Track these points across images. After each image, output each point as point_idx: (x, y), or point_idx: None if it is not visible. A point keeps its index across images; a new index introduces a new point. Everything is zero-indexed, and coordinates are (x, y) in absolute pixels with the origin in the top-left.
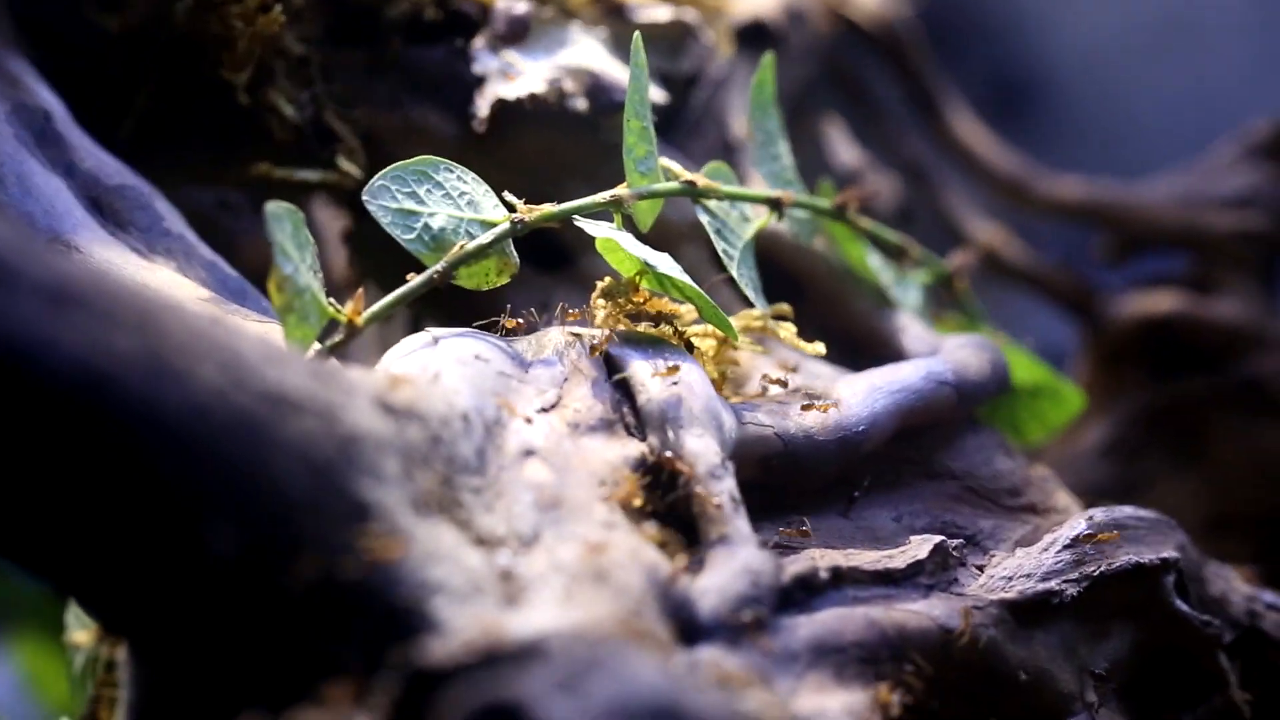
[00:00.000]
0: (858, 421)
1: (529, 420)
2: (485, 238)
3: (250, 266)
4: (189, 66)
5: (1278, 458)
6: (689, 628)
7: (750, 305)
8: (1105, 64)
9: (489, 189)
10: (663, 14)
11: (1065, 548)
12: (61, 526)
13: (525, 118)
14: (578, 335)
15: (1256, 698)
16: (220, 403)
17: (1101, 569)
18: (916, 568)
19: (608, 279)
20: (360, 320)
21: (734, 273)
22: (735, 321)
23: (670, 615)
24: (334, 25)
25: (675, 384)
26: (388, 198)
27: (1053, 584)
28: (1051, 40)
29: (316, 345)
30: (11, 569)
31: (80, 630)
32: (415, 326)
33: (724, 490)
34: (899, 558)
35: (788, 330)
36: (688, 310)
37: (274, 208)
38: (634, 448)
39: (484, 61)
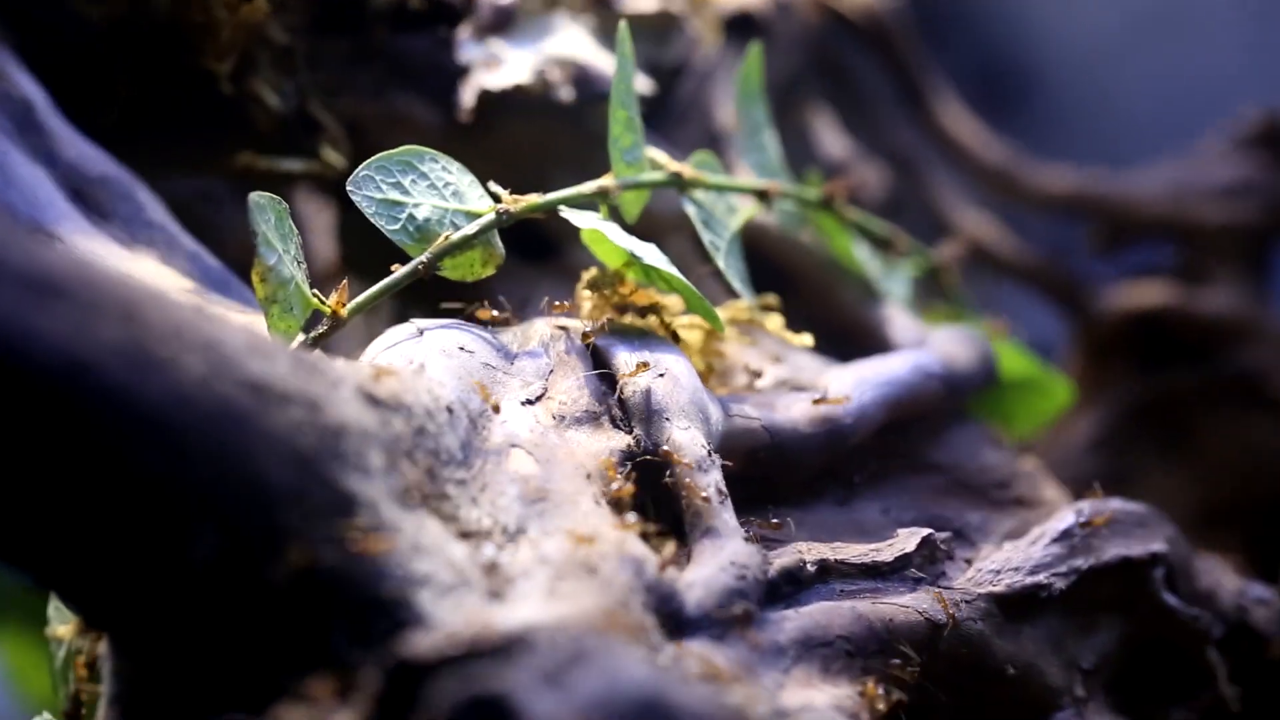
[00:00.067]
0: (845, 414)
1: (514, 412)
2: (470, 228)
3: (233, 257)
4: (172, 56)
5: (1267, 450)
6: (675, 621)
7: (737, 297)
8: (1094, 53)
9: (474, 179)
10: (649, 3)
11: (1053, 541)
12: (41, 518)
13: (510, 107)
14: (564, 327)
15: (1245, 692)
16: (204, 393)
17: (1090, 563)
18: (904, 561)
19: (593, 270)
20: (345, 311)
21: (720, 264)
22: (722, 313)
23: (656, 608)
24: (318, 14)
25: (661, 376)
26: (372, 188)
27: (1041, 577)
28: (1040, 30)
29: (301, 336)
30: None
31: (62, 624)
32: (400, 318)
33: (711, 483)
34: (886, 551)
35: (775, 322)
36: (674, 302)
37: (257, 198)
38: (620, 440)
39: (469, 51)
